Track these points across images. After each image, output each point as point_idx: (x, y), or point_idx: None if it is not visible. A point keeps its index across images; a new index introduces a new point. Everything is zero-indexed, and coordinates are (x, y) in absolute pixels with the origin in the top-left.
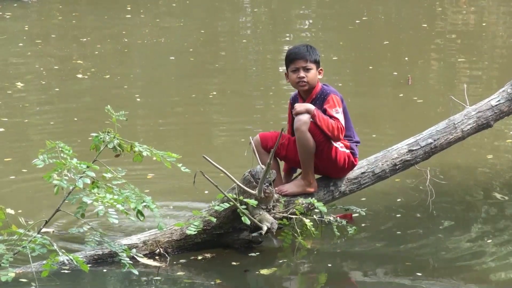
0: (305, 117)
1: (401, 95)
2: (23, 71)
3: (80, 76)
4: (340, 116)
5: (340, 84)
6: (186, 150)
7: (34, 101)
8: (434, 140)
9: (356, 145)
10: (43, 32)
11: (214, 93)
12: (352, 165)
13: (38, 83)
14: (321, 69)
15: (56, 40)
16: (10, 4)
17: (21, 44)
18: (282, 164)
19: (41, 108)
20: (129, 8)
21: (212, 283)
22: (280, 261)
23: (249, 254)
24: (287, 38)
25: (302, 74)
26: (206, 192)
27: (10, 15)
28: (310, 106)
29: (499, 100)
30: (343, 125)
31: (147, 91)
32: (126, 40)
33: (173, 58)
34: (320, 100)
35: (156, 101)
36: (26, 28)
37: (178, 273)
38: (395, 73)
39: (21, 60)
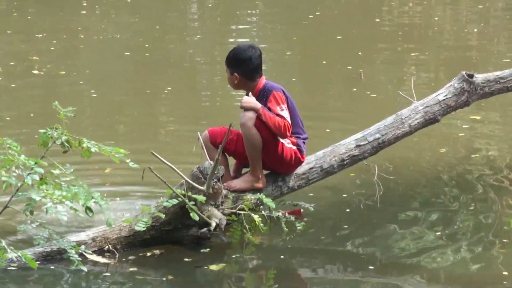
0: (251, 113)
1: (354, 89)
2: None
3: (36, 72)
4: (285, 113)
5: (293, 79)
6: (139, 145)
7: None
8: (382, 135)
9: (304, 142)
10: None
11: (169, 88)
12: (298, 162)
13: None
14: (236, 75)
15: (12, 36)
16: None
17: None
18: (231, 160)
19: None
20: (84, 4)
21: (164, 279)
22: (229, 257)
23: (199, 250)
24: (238, 33)
25: None
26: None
27: None
28: (256, 104)
29: (446, 95)
30: (290, 122)
31: (102, 86)
32: (82, 36)
33: (128, 53)
34: (263, 97)
35: (111, 96)
36: None
37: (128, 270)
38: (350, 67)
39: None
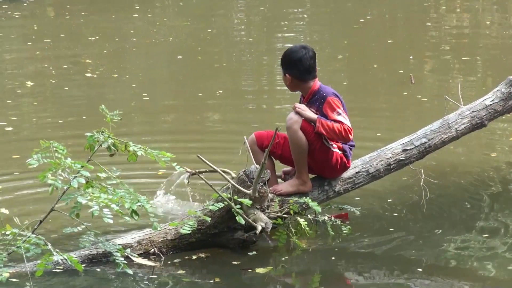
0: (296, 116)
1: (405, 93)
2: (32, 70)
3: (89, 75)
4: (342, 117)
5: (344, 83)
6: (188, 148)
7: (43, 100)
8: (429, 140)
9: (351, 148)
10: (52, 32)
11: (220, 91)
12: (344, 167)
13: (47, 82)
14: (287, 75)
15: (65, 40)
16: (20, 4)
17: (30, 43)
18: (277, 163)
19: (50, 107)
20: (137, 7)
21: (211, 281)
22: (276, 260)
23: (244, 254)
24: (287, 37)
25: None
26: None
27: (19, 14)
28: (314, 116)
29: (493, 100)
30: (349, 125)
31: (155, 90)
32: (134, 39)
33: (181, 57)
34: (316, 101)
35: (163, 100)
36: (35, 28)
37: (173, 273)
38: (401, 71)
39: (31, 59)
